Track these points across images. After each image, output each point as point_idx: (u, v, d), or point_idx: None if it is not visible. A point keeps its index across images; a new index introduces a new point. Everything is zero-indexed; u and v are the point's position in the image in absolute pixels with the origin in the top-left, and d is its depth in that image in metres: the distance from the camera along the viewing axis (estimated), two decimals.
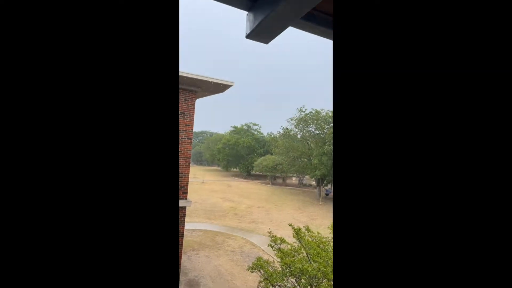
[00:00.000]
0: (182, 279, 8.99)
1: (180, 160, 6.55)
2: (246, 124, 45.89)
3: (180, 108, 6.57)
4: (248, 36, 1.55)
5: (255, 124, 46.20)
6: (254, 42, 1.61)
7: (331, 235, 5.50)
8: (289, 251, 5.55)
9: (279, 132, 32.79)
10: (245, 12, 1.52)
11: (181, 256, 6.56)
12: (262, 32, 1.47)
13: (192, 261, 10.75)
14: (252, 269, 5.44)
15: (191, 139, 6.73)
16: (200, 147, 65.36)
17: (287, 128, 30.47)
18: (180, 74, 6.02)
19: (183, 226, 6.60)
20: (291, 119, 29.69)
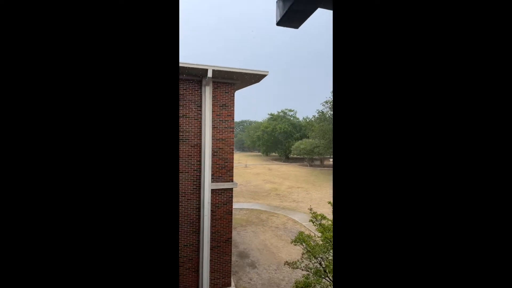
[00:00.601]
0: (234, 250, 9.55)
1: (225, 148, 6.80)
2: (282, 111, 45.29)
3: (221, 100, 6.76)
4: (279, 23, 1.53)
5: (290, 110, 45.34)
6: (285, 29, 1.58)
7: None
8: (329, 226, 5.51)
9: (315, 116, 31.80)
10: (275, 0, 1.49)
11: (231, 231, 6.96)
12: (292, 17, 1.44)
13: (241, 236, 11.30)
14: (295, 242, 5.55)
15: (233, 128, 6.92)
16: (241, 135, 66.73)
17: (322, 112, 29.38)
18: (218, 68, 6.14)
19: (231, 205, 6.95)
20: (326, 102, 28.50)
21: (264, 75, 6.72)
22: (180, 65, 5.89)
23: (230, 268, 6.99)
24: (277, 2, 1.53)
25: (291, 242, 5.91)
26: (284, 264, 5.89)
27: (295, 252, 9.17)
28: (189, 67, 5.97)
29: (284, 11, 1.46)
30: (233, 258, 9.02)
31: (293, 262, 5.41)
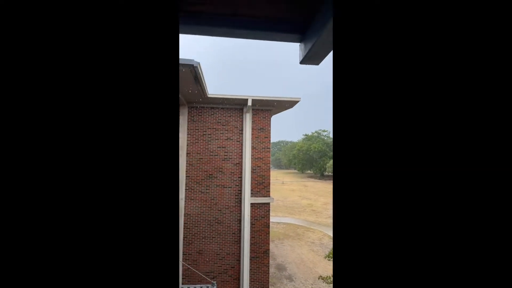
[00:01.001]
0: (271, 262, 9.23)
1: (262, 166, 6.92)
2: (316, 132, 44.33)
3: (259, 124, 7.00)
4: (302, 62, 1.64)
5: (324, 131, 44.12)
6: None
7: None
8: None
9: None
10: (298, 44, 1.62)
11: (269, 243, 6.81)
12: (312, 57, 1.53)
13: (279, 249, 10.90)
14: (329, 257, 5.19)
15: (270, 148, 7.04)
16: (278, 154, 66.48)
17: None
18: (256, 97, 6.46)
19: (269, 219, 6.88)
20: None
21: (297, 101, 6.81)
22: (225, 96, 6.37)
23: (268, 278, 6.76)
24: (299, 45, 1.66)
25: (325, 257, 5.53)
26: (318, 278, 5.50)
27: (331, 267, 8.47)
28: (233, 98, 6.42)
29: (306, 53, 1.58)
30: (271, 270, 8.69)
31: (327, 277, 5.03)
